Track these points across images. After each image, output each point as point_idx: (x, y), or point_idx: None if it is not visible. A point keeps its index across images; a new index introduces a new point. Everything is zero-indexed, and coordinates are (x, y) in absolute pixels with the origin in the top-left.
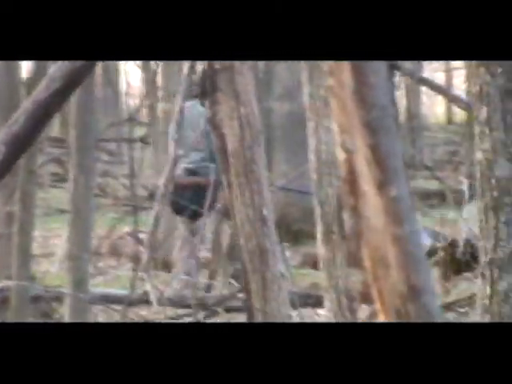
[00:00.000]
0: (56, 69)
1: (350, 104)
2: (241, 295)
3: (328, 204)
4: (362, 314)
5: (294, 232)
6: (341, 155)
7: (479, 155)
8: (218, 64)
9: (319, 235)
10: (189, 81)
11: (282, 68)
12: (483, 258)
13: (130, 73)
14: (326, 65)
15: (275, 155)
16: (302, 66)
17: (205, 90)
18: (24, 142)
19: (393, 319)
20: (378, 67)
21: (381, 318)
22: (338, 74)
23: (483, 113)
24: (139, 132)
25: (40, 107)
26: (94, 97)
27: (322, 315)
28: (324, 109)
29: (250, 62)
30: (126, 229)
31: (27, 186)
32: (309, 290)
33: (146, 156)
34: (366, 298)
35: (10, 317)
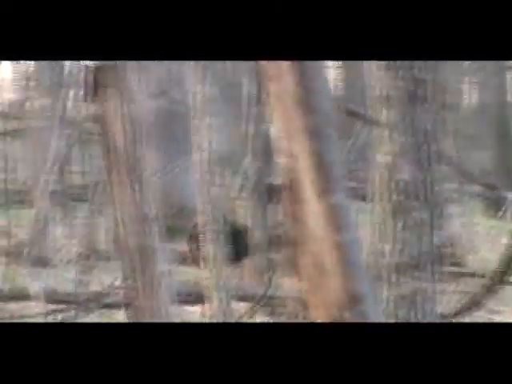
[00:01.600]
0: None
1: (292, 109)
2: (115, 291)
3: (213, 202)
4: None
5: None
6: (282, 162)
7: (380, 158)
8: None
9: (205, 234)
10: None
11: (153, 64)
12: (381, 261)
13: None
14: (267, 69)
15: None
16: (185, 64)
17: (89, 86)
18: None
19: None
20: (319, 72)
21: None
22: (280, 80)
23: (383, 115)
24: (7, 126)
25: None
26: None
27: (204, 312)
28: (208, 107)
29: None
30: None
31: None
32: (186, 287)
33: (16, 151)
34: (305, 304)
35: None
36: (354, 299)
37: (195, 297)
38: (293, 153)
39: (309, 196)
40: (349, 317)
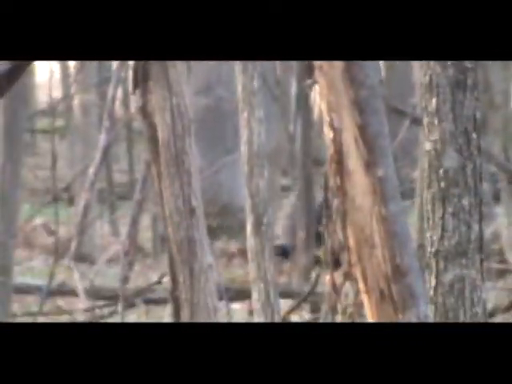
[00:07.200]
0: None
1: (339, 82)
2: (156, 287)
3: (258, 195)
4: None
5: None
6: (329, 134)
7: (428, 146)
8: None
9: (249, 227)
10: (120, 70)
11: (199, 63)
12: (429, 249)
13: (41, 63)
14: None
15: None
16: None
17: (137, 79)
18: None
19: (376, 299)
20: None
21: (364, 298)
22: None
23: (432, 103)
24: (51, 124)
25: None
26: (22, 85)
27: (250, 309)
28: (255, 99)
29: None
30: (38, 221)
31: None
32: (229, 283)
33: (60, 148)
34: (350, 278)
35: None
36: (400, 272)
37: (240, 293)
38: (339, 125)
39: (354, 168)
40: (395, 289)
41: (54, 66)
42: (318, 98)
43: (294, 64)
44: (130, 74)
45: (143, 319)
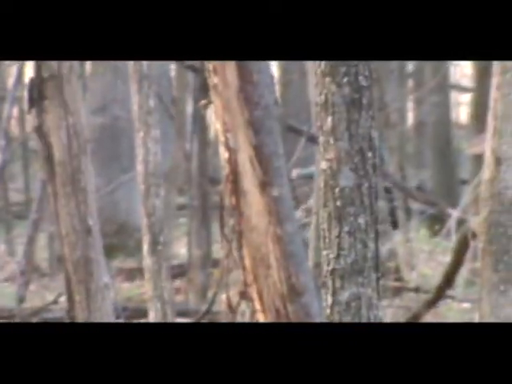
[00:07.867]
0: None
1: (234, 103)
2: (53, 307)
3: (154, 215)
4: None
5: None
6: (224, 154)
7: (323, 165)
8: (46, 72)
9: (145, 246)
10: (16, 89)
11: (95, 82)
12: (325, 268)
13: None
14: (209, 63)
15: None
16: (131, 77)
17: (32, 99)
18: None
19: (272, 319)
20: (263, 66)
21: (260, 318)
22: (223, 73)
23: (328, 122)
24: None
25: None
26: None
27: None
28: (152, 119)
29: (77, 72)
30: None
31: None
32: (126, 302)
33: None
34: (246, 297)
35: None
36: (295, 291)
37: (137, 311)
38: (234, 145)
39: (250, 188)
40: (291, 309)
41: None
42: (213, 117)
43: (191, 83)
44: (26, 93)
45: None
